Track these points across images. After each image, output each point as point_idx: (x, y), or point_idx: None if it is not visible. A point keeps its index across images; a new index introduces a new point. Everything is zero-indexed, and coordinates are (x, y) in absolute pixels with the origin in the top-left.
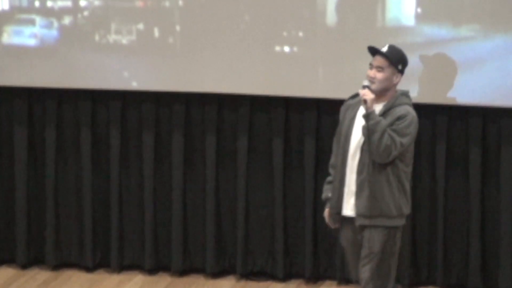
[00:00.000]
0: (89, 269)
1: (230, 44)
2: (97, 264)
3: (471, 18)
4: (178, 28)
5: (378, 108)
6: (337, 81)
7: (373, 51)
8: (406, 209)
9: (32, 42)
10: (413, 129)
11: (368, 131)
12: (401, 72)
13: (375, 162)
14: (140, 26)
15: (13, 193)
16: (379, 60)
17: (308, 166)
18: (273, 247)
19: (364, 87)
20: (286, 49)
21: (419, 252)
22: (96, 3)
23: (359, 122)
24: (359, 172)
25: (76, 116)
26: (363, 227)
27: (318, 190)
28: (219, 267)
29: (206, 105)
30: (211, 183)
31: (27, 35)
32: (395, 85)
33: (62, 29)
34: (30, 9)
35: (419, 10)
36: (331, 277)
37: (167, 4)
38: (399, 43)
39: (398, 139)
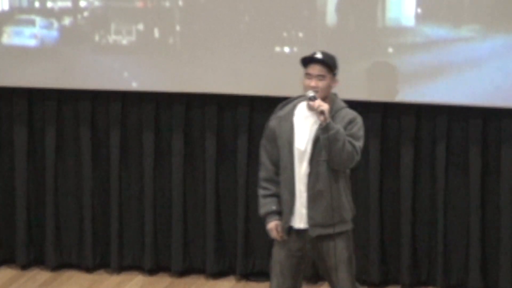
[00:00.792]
0: (89, 269)
1: (230, 44)
2: (97, 264)
3: (471, 18)
4: (178, 28)
5: None
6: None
7: (310, 60)
8: (353, 211)
9: (32, 42)
10: (363, 132)
11: (329, 142)
12: (335, 76)
13: (331, 171)
14: (140, 26)
15: (13, 193)
16: (318, 69)
17: None
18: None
19: (312, 98)
20: (286, 49)
21: (419, 252)
22: (96, 3)
23: (300, 134)
24: (312, 183)
25: (76, 116)
26: (320, 238)
27: None
28: (219, 267)
29: (206, 105)
30: (211, 183)
31: (27, 36)
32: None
33: (62, 29)
34: (30, 9)
35: (419, 10)
36: None
37: (167, 4)
38: (399, 43)
39: (356, 143)
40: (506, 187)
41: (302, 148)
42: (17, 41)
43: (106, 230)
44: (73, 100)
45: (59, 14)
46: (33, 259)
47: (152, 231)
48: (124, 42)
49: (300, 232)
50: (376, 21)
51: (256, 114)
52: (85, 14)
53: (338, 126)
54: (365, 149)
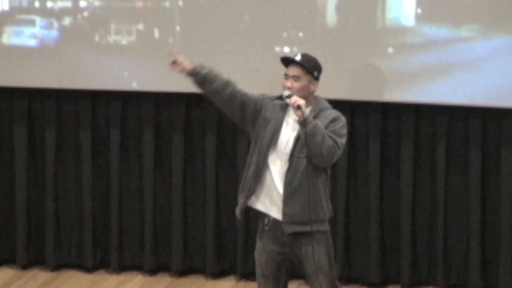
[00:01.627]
0: (89, 269)
1: (230, 44)
2: (97, 264)
3: (471, 18)
4: (178, 28)
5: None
6: (337, 81)
7: (287, 61)
8: (330, 213)
9: (32, 42)
10: (346, 131)
11: (307, 136)
12: (317, 79)
13: (311, 169)
14: (140, 26)
15: (13, 193)
16: (295, 70)
17: None
18: None
19: (288, 96)
20: (286, 49)
21: (419, 252)
22: (96, 3)
23: (284, 132)
24: (290, 179)
25: (76, 116)
26: (298, 239)
27: None
28: (219, 267)
29: (206, 105)
30: (211, 183)
31: (27, 36)
32: (313, 92)
33: (62, 29)
34: (30, 9)
35: (419, 10)
36: None
37: (167, 4)
38: (399, 43)
39: (338, 139)
40: (506, 187)
41: (283, 144)
42: (17, 41)
43: (106, 230)
44: (73, 100)
45: (59, 14)
46: (33, 259)
47: (152, 231)
48: (124, 42)
49: (277, 224)
50: (376, 21)
51: None
52: (85, 14)
53: (317, 121)
54: (365, 149)
